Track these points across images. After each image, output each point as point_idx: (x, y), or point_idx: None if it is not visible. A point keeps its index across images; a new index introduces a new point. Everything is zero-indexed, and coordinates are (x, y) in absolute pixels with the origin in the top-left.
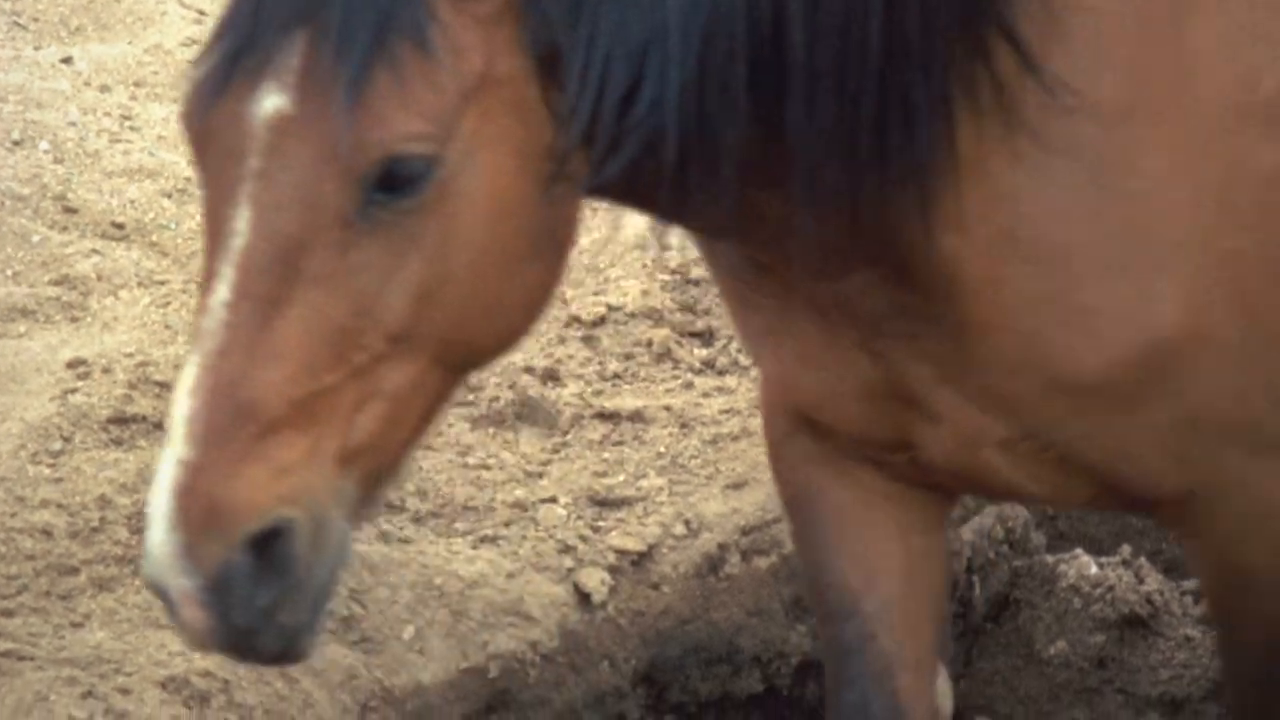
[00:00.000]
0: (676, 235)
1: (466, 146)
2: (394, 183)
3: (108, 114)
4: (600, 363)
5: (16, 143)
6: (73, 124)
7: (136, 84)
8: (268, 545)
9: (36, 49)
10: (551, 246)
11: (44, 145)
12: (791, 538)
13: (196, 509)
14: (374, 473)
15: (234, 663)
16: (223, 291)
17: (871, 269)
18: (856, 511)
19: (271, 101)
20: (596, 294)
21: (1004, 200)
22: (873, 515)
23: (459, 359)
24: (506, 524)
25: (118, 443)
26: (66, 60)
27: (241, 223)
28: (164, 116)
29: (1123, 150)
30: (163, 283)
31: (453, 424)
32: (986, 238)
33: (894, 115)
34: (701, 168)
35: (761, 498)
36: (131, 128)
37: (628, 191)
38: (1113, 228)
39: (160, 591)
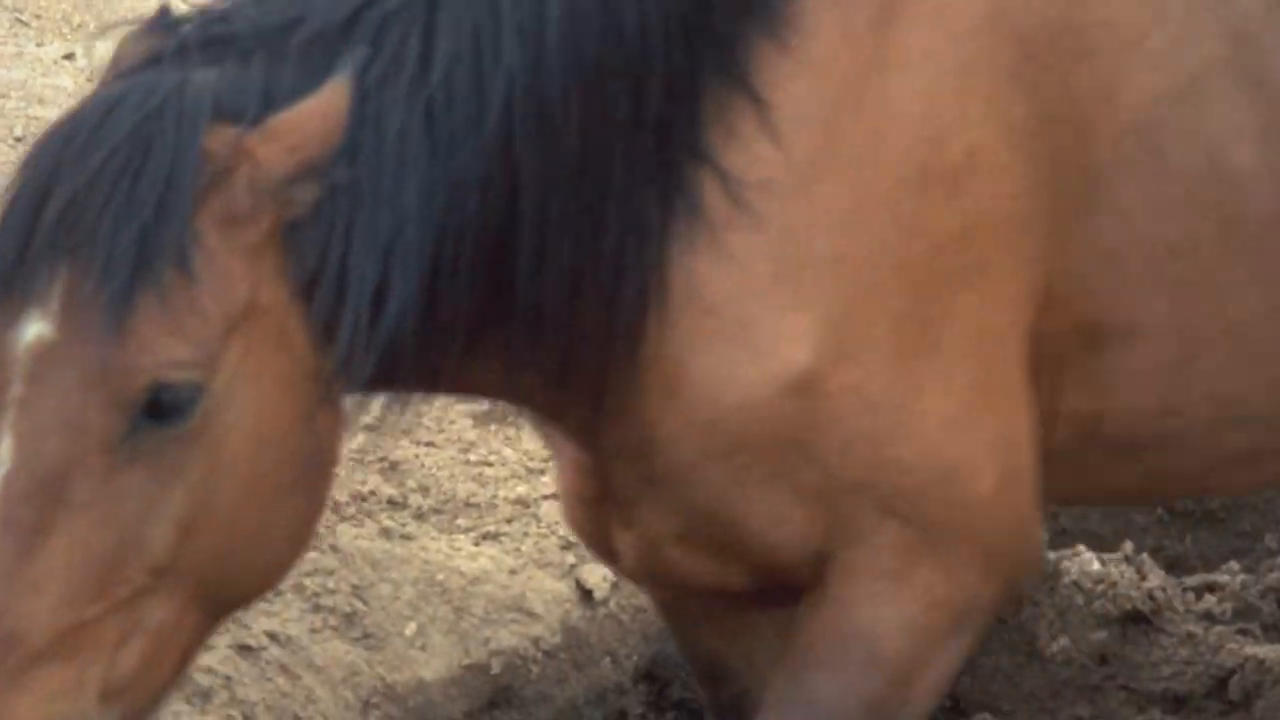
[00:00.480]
0: None
1: (231, 376)
2: (160, 410)
3: None
4: None
5: (19, 139)
6: None
7: None
8: None
9: (38, 45)
10: (315, 476)
11: None
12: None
13: None
14: (135, 711)
15: (237, 659)
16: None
17: (581, 407)
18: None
19: (34, 329)
20: None
21: (693, 296)
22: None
23: (219, 597)
24: (509, 520)
25: None
26: (68, 57)
27: (3, 450)
28: None
29: (798, 212)
30: None
31: (455, 421)
32: (676, 337)
33: (608, 265)
34: (440, 346)
35: None
36: None
37: (384, 383)
38: (773, 283)
39: None
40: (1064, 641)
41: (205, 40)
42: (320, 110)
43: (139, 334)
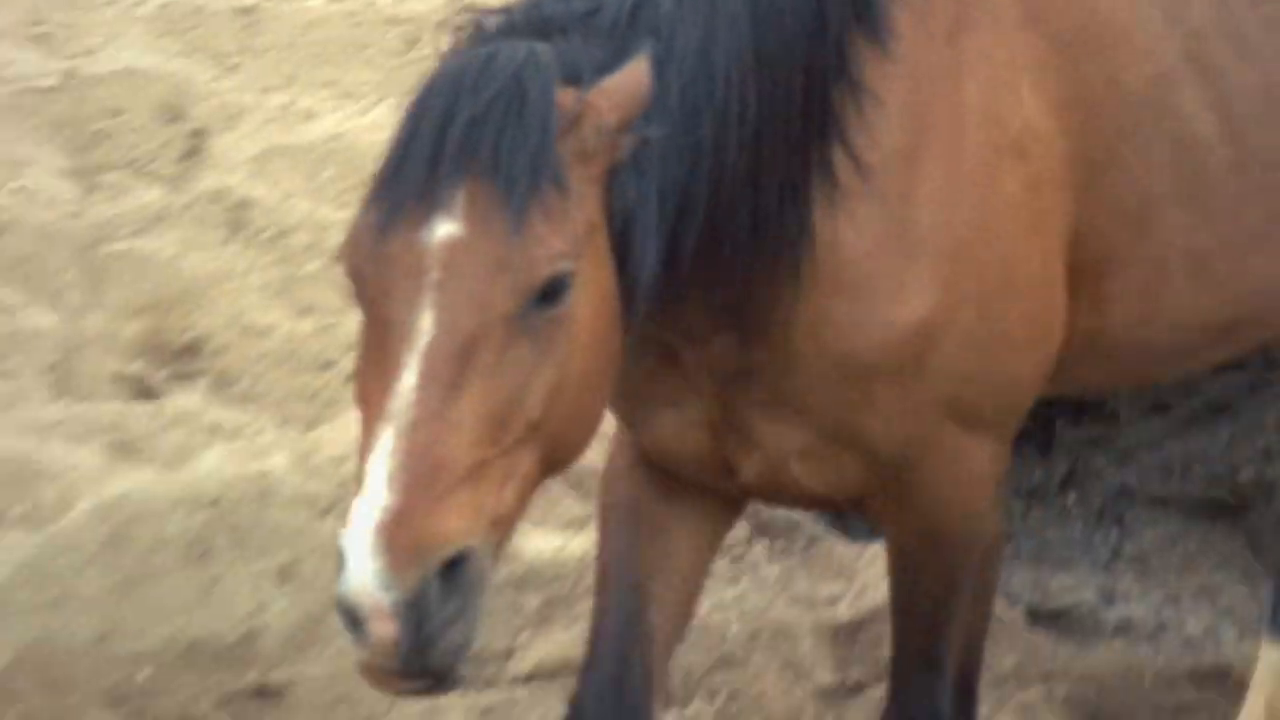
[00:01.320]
0: None
1: (584, 275)
2: (548, 295)
3: None
4: None
5: None
6: None
7: None
8: (453, 570)
9: None
10: (613, 372)
11: None
12: (599, 540)
13: (400, 541)
14: (499, 542)
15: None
16: (409, 378)
17: (730, 333)
18: (665, 519)
19: (444, 228)
20: None
21: (834, 250)
22: (678, 525)
23: (555, 455)
24: None
25: None
26: None
27: (425, 323)
28: None
29: (907, 186)
30: None
31: None
32: (820, 283)
33: (774, 217)
34: (674, 277)
35: None
36: None
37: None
38: (895, 245)
39: (351, 611)
40: None
41: (528, 22)
42: (634, 79)
43: (534, 234)
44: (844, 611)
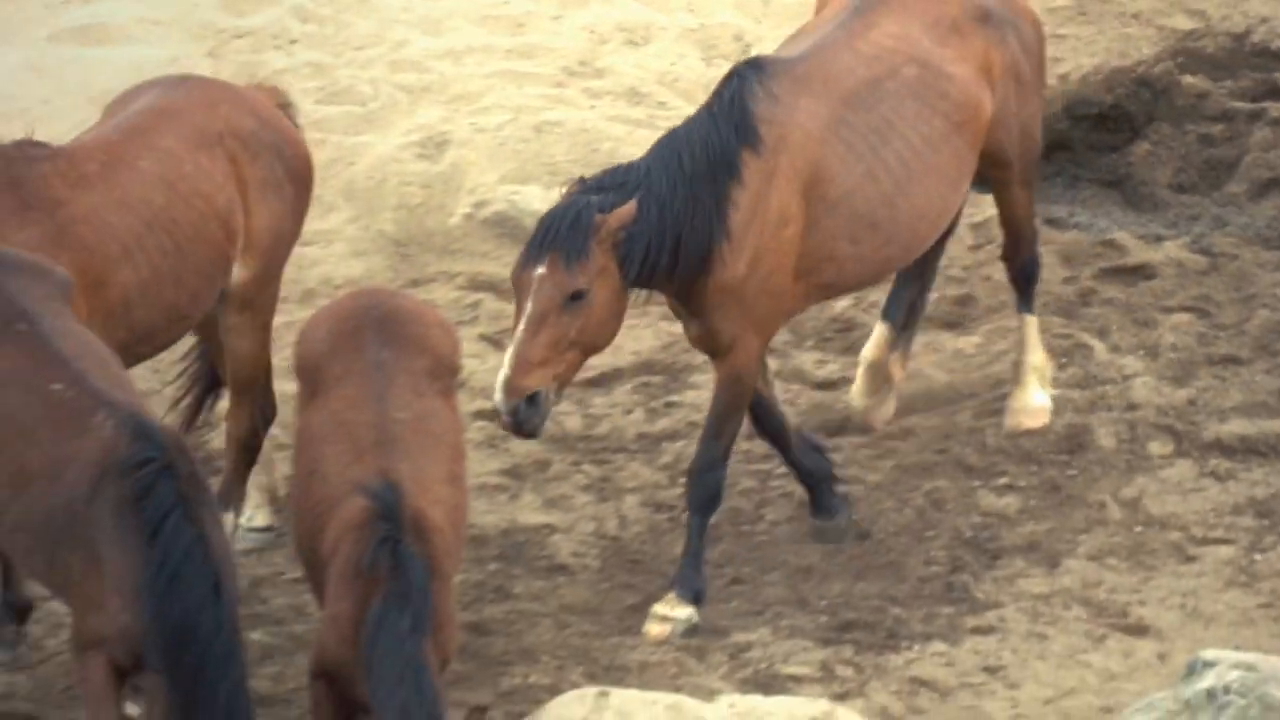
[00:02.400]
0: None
1: (595, 287)
2: (576, 297)
3: None
4: None
5: None
6: None
7: None
8: (531, 399)
9: None
10: (617, 321)
11: None
12: None
13: (509, 388)
14: (558, 391)
15: None
16: (521, 326)
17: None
18: None
19: (540, 270)
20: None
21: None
22: None
23: (587, 354)
24: None
25: None
26: None
27: (529, 304)
28: None
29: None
30: None
31: None
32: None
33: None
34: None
35: None
36: None
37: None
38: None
39: (501, 414)
40: None
41: (597, 185)
42: (629, 210)
43: (571, 275)
44: None
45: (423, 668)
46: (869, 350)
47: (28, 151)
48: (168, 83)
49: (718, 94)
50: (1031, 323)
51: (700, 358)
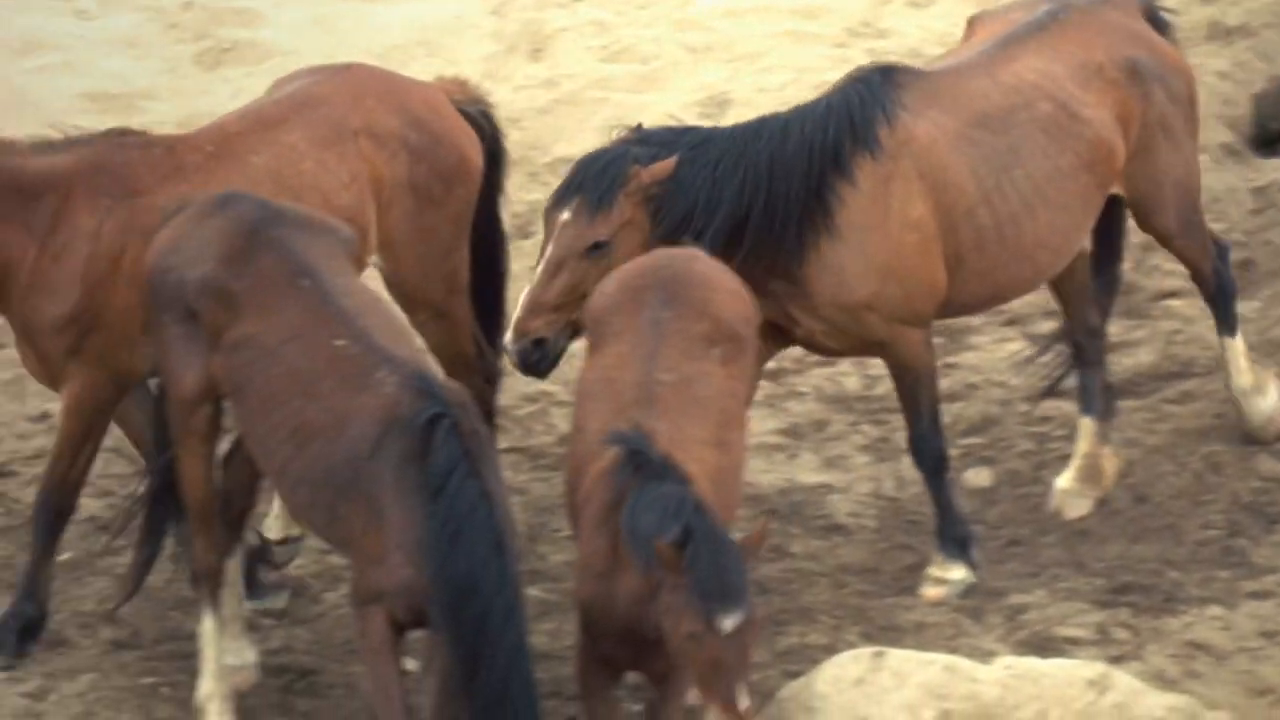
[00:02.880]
0: None
1: (617, 240)
2: (598, 247)
3: None
4: None
5: None
6: None
7: None
8: (538, 342)
9: None
10: None
11: None
12: None
13: (519, 330)
14: (570, 332)
15: None
16: (541, 269)
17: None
18: None
19: (566, 215)
20: None
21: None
22: None
23: None
24: None
25: None
26: None
27: (550, 248)
28: None
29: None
30: None
31: None
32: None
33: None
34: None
35: None
36: None
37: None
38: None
39: (509, 354)
40: None
41: (644, 139)
42: (663, 169)
43: (594, 224)
44: None
45: (685, 494)
46: (1082, 444)
47: (119, 140)
48: (325, 72)
49: (839, 90)
50: (1233, 347)
51: (978, 319)
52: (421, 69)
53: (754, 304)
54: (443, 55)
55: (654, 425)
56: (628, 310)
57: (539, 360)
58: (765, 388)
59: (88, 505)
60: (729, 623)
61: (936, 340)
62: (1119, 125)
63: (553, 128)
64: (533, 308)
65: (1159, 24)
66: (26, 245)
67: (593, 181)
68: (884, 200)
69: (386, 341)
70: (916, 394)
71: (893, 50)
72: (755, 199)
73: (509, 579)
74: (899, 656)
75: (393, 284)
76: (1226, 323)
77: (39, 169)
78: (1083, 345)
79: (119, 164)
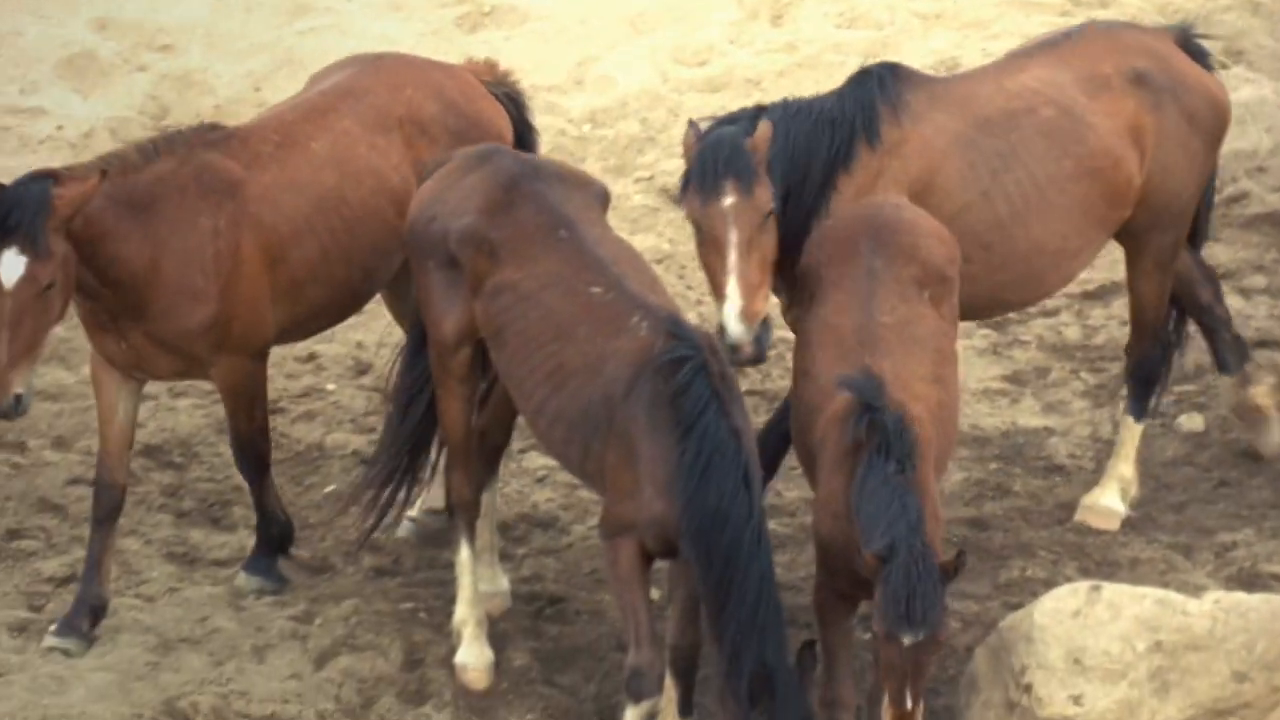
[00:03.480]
0: None
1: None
2: (768, 217)
3: None
4: None
5: None
6: None
7: None
8: (765, 321)
9: None
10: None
11: None
12: None
13: (749, 314)
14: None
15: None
16: (732, 254)
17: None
18: None
19: (730, 200)
20: None
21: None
22: None
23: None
24: None
25: None
26: None
27: (733, 233)
28: None
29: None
30: None
31: None
32: None
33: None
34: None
35: None
36: None
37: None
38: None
39: (730, 346)
40: None
41: (722, 121)
42: (764, 135)
43: (757, 193)
44: None
45: (907, 492)
46: (1227, 397)
47: (207, 136)
48: (362, 61)
49: (852, 83)
50: (1131, 429)
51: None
52: (668, 35)
53: (957, 246)
54: (689, 21)
55: (880, 365)
56: (841, 260)
57: (768, 339)
58: (990, 336)
59: (353, 440)
60: (907, 639)
61: None
62: (1129, 136)
63: (790, 89)
64: (749, 291)
65: (1196, 52)
66: (150, 256)
67: (732, 164)
68: (869, 192)
69: (640, 289)
70: None
71: (1114, 19)
72: (790, 178)
73: (756, 511)
74: (1114, 590)
75: None
76: (1137, 401)
77: (149, 180)
78: (1204, 323)
79: (216, 160)
